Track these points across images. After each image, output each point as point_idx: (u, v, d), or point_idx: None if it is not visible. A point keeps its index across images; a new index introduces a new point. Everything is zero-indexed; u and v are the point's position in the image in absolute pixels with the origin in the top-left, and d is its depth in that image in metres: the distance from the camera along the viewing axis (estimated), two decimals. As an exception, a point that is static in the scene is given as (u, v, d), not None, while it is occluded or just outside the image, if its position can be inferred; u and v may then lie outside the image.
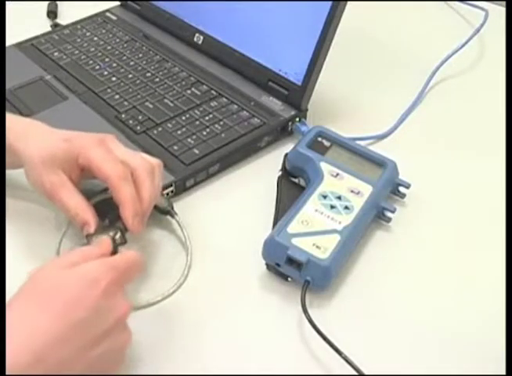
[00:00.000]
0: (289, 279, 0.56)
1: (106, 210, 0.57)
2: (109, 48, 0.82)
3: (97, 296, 0.45)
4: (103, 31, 0.86)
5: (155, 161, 0.58)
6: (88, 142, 0.57)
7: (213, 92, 0.75)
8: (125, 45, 0.83)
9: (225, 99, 0.73)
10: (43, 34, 0.85)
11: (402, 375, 0.50)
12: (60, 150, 0.56)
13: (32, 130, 0.59)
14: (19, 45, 0.83)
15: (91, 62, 0.80)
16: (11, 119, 0.59)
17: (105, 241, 0.53)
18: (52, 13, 0.92)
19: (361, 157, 0.64)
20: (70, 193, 0.56)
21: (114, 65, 0.79)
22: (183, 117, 0.71)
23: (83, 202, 0.56)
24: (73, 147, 0.56)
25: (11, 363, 0.40)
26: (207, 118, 0.70)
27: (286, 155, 0.65)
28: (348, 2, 0.67)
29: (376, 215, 0.62)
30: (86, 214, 0.55)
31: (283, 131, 0.71)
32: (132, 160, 0.56)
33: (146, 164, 0.57)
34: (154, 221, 0.61)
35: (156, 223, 0.61)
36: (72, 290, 0.45)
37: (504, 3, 0.91)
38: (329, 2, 0.67)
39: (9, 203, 0.60)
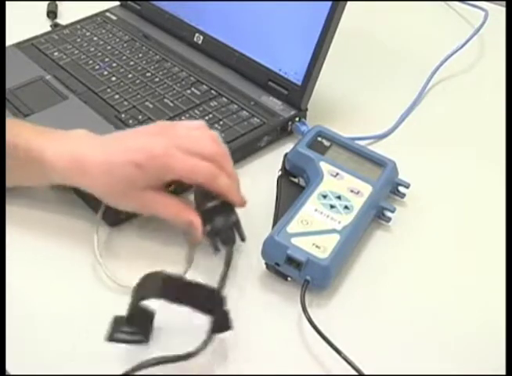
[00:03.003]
0: (288, 278, 0.56)
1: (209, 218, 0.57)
2: (109, 48, 0.82)
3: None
4: (103, 31, 0.86)
5: (213, 133, 0.59)
6: (159, 161, 0.55)
7: (213, 91, 0.75)
8: (125, 45, 0.83)
9: (224, 99, 0.73)
10: (43, 34, 0.85)
11: (402, 375, 0.50)
12: (136, 178, 0.55)
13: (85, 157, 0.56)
14: (19, 45, 0.83)
15: (91, 62, 0.80)
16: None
17: None
18: (52, 13, 0.92)
19: (361, 157, 0.64)
20: (164, 206, 0.57)
21: (114, 65, 0.79)
22: (183, 117, 0.71)
23: (182, 208, 0.57)
24: (149, 173, 0.55)
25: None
26: (206, 118, 0.70)
27: (285, 155, 0.65)
28: (348, 2, 0.67)
29: (376, 214, 0.62)
30: (191, 217, 0.57)
31: (283, 131, 0.71)
32: (204, 149, 0.57)
33: (216, 148, 0.58)
34: (153, 220, 0.61)
35: (155, 222, 0.61)
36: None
37: (504, 3, 0.91)
38: (329, 2, 0.67)
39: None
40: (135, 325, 0.50)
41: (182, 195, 0.61)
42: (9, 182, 0.59)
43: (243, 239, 0.57)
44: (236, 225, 0.57)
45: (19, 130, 0.59)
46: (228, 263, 0.55)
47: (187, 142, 0.57)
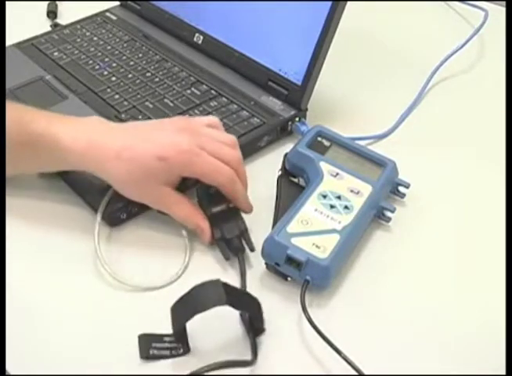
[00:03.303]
0: (288, 278, 0.56)
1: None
2: (109, 47, 0.82)
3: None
4: (103, 31, 0.86)
5: (233, 137, 0.60)
6: (185, 157, 0.56)
7: (213, 91, 0.75)
8: (125, 45, 0.83)
9: (224, 99, 0.73)
10: (43, 34, 0.85)
11: (402, 375, 0.50)
12: (158, 171, 0.56)
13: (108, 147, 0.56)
14: (19, 45, 0.82)
15: (91, 62, 0.80)
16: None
17: None
18: (52, 13, 0.92)
19: (361, 157, 0.64)
20: (178, 205, 0.58)
21: (114, 65, 0.79)
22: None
23: (193, 210, 0.58)
24: (172, 167, 0.56)
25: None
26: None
27: (285, 155, 0.65)
28: (348, 2, 0.67)
29: (376, 214, 0.62)
30: (200, 222, 0.58)
31: (283, 130, 0.71)
32: (226, 154, 0.58)
33: (234, 153, 0.59)
34: (153, 220, 0.62)
35: (155, 222, 0.61)
36: None
37: (504, 3, 0.91)
38: (329, 2, 0.67)
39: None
40: (175, 338, 0.50)
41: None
42: (24, 168, 0.60)
43: (251, 249, 0.57)
44: (245, 234, 0.58)
45: (33, 116, 0.58)
46: (243, 274, 0.56)
47: (211, 144, 0.57)
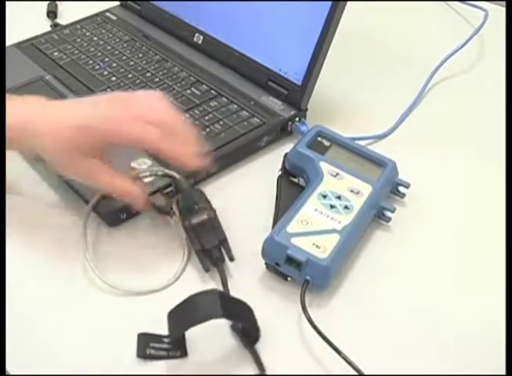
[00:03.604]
0: (288, 278, 0.56)
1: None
2: (109, 47, 0.82)
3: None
4: (103, 31, 0.86)
5: (165, 101, 0.58)
6: (106, 122, 0.56)
7: (213, 91, 0.75)
8: (125, 45, 0.83)
9: (224, 99, 0.73)
10: (43, 34, 0.85)
11: (402, 375, 0.50)
12: (80, 141, 0.55)
13: (36, 116, 0.57)
14: (19, 45, 0.83)
15: (91, 62, 0.80)
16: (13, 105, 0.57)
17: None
18: (52, 13, 0.92)
19: (361, 157, 0.64)
20: (108, 177, 0.57)
21: (114, 65, 0.79)
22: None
23: (125, 181, 0.57)
24: (93, 134, 0.55)
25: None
26: (206, 118, 0.70)
27: (285, 155, 0.65)
28: (348, 2, 0.67)
29: (376, 214, 0.62)
30: (130, 186, 0.57)
31: (283, 130, 0.71)
32: (152, 116, 0.56)
33: (162, 112, 0.57)
34: (153, 220, 0.62)
35: (155, 223, 0.61)
36: None
37: (504, 3, 0.91)
38: (329, 2, 0.67)
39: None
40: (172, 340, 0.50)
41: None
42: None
43: (231, 259, 0.57)
44: (224, 244, 0.57)
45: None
46: (224, 283, 0.55)
47: (137, 110, 0.57)
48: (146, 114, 0.56)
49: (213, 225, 0.57)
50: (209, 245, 0.57)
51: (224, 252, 0.57)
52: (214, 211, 0.58)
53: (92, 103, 0.58)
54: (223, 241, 0.57)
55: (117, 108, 0.57)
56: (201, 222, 0.57)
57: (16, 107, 0.57)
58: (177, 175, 0.60)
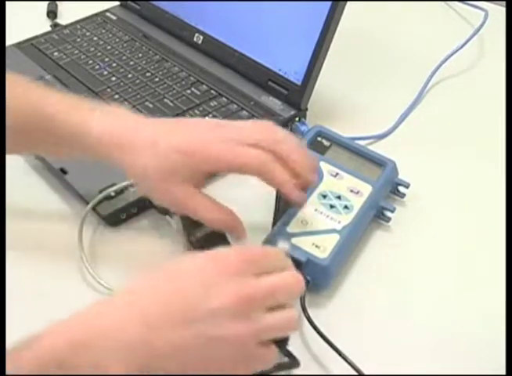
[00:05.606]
0: (288, 278, 0.56)
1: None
2: (108, 47, 0.82)
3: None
4: (103, 31, 0.86)
5: (269, 122, 0.54)
6: (211, 151, 0.51)
7: (212, 91, 0.75)
8: (125, 45, 0.83)
9: (224, 99, 0.73)
10: (43, 34, 0.85)
11: (402, 375, 0.50)
12: (181, 166, 0.51)
13: (132, 135, 0.52)
14: (19, 45, 0.83)
15: (90, 62, 0.80)
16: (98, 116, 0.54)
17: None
18: (52, 13, 0.92)
19: (360, 157, 0.64)
20: (203, 204, 0.52)
21: (114, 65, 0.79)
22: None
23: (223, 209, 0.53)
24: (196, 162, 0.51)
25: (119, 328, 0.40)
26: (206, 118, 0.70)
27: (285, 155, 0.65)
28: (348, 2, 0.67)
29: (376, 214, 0.62)
30: (234, 221, 0.53)
31: (283, 130, 0.71)
32: (259, 138, 0.52)
33: (271, 133, 0.53)
34: (153, 220, 0.62)
35: (155, 223, 0.61)
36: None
37: (504, 3, 0.91)
38: (329, 2, 0.67)
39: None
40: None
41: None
42: (43, 153, 0.59)
43: None
44: None
45: (58, 100, 0.55)
46: None
47: (237, 133, 0.52)
48: (259, 138, 0.52)
49: (218, 236, 0.55)
50: None
51: None
52: None
53: (193, 126, 0.55)
54: None
55: (228, 133, 0.53)
56: (205, 235, 0.55)
57: (104, 117, 0.54)
58: None
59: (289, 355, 0.49)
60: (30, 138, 0.55)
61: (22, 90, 0.57)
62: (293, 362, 0.49)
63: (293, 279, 0.46)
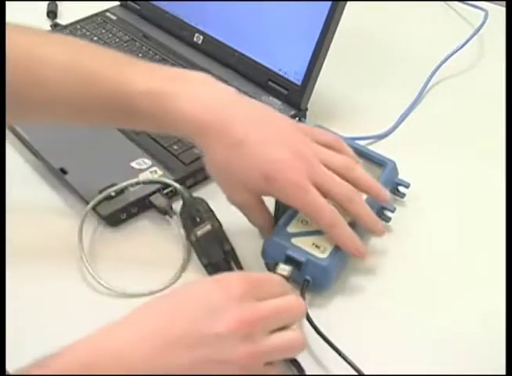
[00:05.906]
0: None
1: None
2: (109, 48, 0.82)
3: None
4: (103, 31, 0.86)
5: (349, 162, 0.56)
6: (291, 188, 0.52)
7: (213, 91, 0.74)
8: (125, 45, 0.83)
9: (224, 99, 0.73)
10: (43, 34, 0.85)
11: (402, 375, 0.50)
12: (260, 188, 0.54)
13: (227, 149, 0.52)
14: (19, 45, 0.82)
15: (91, 62, 0.79)
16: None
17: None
18: (52, 13, 0.92)
19: (360, 157, 0.64)
20: (261, 214, 0.57)
21: (114, 65, 0.79)
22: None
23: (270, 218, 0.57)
24: (275, 190, 0.53)
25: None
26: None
27: (285, 155, 0.65)
28: (348, 2, 0.67)
29: (376, 214, 0.62)
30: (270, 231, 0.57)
31: (283, 131, 0.71)
32: (336, 164, 0.54)
33: (347, 162, 0.55)
34: (153, 220, 0.62)
35: (155, 223, 0.61)
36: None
37: (504, 3, 0.91)
38: (329, 2, 0.67)
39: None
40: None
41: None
42: (116, 124, 0.59)
43: (240, 268, 0.57)
44: (232, 253, 0.57)
45: (153, 74, 0.54)
46: None
47: (322, 176, 0.53)
48: (330, 183, 0.54)
49: (218, 236, 0.56)
50: (216, 259, 0.56)
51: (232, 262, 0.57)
52: (218, 221, 0.57)
53: (279, 132, 0.55)
54: (230, 252, 0.57)
55: (300, 163, 0.53)
56: (206, 234, 0.56)
57: (196, 90, 0.53)
58: (177, 185, 0.60)
59: (297, 366, 0.50)
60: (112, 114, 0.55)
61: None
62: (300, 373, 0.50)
63: (294, 302, 0.48)
